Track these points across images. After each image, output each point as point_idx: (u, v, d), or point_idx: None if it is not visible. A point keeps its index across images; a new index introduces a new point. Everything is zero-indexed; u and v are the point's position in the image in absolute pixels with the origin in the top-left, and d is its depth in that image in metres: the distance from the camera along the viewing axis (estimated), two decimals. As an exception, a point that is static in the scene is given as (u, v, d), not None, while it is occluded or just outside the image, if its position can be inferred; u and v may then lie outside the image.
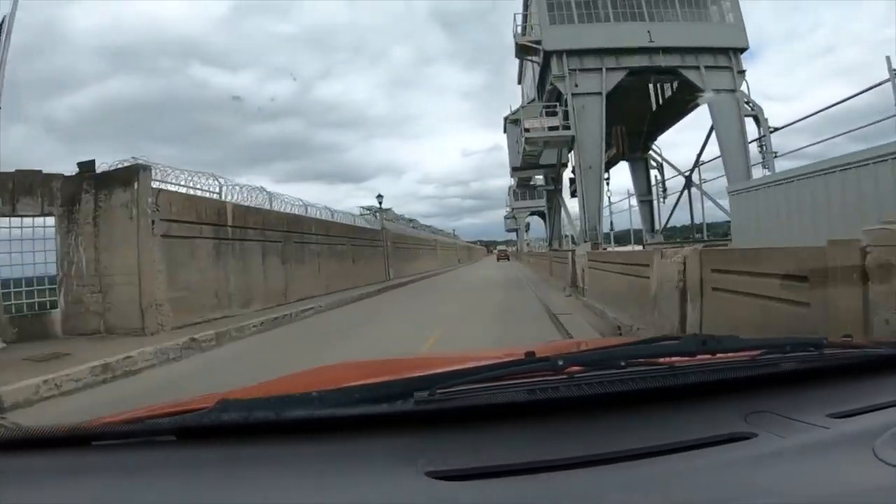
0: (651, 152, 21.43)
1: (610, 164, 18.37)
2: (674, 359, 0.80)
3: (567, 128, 16.01)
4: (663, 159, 20.50)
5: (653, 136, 21.05)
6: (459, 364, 0.87)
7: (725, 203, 14.21)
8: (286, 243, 10.76)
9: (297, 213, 12.08)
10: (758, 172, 14.73)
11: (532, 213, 46.23)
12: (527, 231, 52.20)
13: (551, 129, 16.48)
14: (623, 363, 0.74)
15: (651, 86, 17.69)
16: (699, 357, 0.81)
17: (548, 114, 16.82)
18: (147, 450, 0.64)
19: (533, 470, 0.58)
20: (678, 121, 19.91)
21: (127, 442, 0.65)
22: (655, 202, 21.06)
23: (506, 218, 55.76)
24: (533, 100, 20.68)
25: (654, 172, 21.03)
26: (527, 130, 17.11)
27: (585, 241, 14.31)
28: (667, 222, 20.87)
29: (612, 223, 18.85)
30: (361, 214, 20.34)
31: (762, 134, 14.18)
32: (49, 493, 0.58)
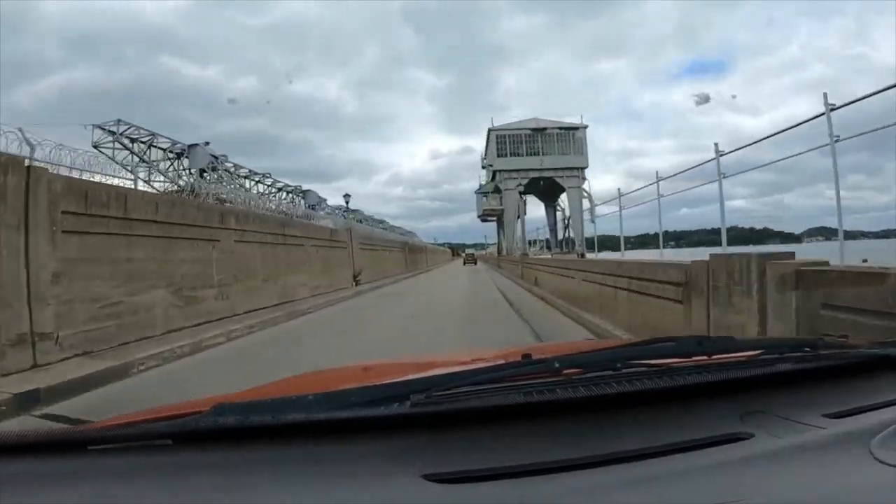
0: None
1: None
2: (670, 360, 0.80)
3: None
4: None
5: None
6: (456, 366, 0.89)
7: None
8: None
9: None
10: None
11: (532, 186, 31.94)
12: (520, 216, 31.76)
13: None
14: (619, 365, 0.75)
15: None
16: (695, 358, 0.81)
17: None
18: (143, 454, 0.63)
19: (530, 472, 0.58)
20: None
21: (123, 446, 0.64)
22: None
23: (479, 194, 37.66)
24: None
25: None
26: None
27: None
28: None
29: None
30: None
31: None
32: (44, 498, 0.57)
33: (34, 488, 0.58)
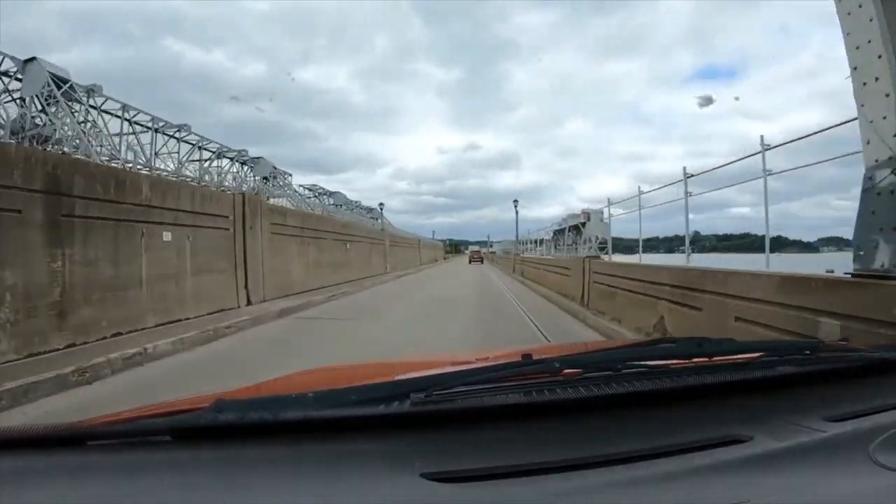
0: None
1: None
2: (670, 361, 0.80)
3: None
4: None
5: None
6: (456, 366, 0.89)
7: None
8: None
9: None
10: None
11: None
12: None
13: None
14: (619, 366, 0.75)
15: None
16: (696, 360, 0.81)
17: None
18: (143, 450, 0.64)
19: (529, 472, 0.58)
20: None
21: (122, 442, 0.65)
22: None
23: None
24: None
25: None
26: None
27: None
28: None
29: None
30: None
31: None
32: (43, 494, 0.57)
33: (34, 483, 0.59)
